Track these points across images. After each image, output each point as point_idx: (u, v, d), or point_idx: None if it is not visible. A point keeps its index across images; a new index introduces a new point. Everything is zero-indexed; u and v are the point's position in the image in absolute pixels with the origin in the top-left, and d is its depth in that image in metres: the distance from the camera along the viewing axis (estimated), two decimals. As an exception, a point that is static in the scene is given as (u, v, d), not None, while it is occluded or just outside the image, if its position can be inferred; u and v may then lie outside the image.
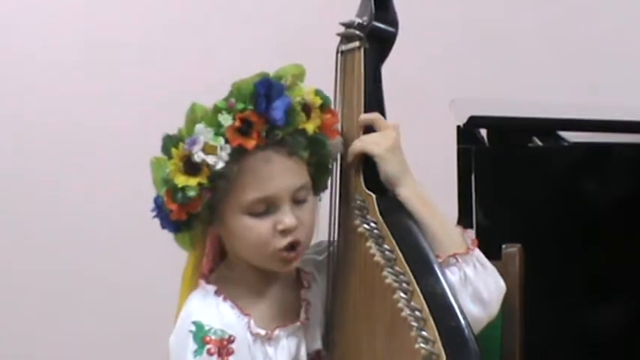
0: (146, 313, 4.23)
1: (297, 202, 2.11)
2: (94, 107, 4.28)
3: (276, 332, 2.12)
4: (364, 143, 2.20)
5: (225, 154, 2.07)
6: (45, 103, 4.36)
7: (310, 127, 2.12)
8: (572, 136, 2.84)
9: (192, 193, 2.07)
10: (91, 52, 4.35)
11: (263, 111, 2.09)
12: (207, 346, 2.08)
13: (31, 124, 4.37)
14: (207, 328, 2.10)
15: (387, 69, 2.36)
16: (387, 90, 2.34)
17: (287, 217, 2.09)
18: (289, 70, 2.15)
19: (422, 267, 2.11)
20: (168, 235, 2.37)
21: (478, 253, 2.15)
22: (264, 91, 2.10)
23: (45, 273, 4.39)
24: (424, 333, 2.02)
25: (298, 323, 2.14)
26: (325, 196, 2.36)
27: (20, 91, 4.37)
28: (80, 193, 4.32)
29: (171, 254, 2.50)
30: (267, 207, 2.10)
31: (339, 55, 2.30)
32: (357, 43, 2.24)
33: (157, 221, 2.32)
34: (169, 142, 2.10)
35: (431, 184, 2.32)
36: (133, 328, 4.41)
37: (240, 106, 2.08)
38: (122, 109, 4.31)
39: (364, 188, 2.19)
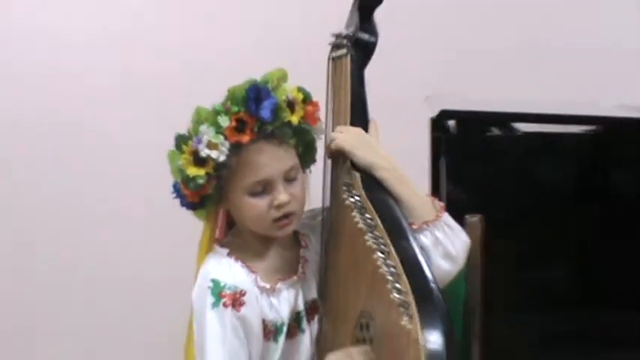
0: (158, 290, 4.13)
1: (288, 180, 2.29)
2: (120, 111, 4.23)
3: (278, 285, 2.29)
4: (336, 142, 2.41)
5: (225, 149, 2.26)
6: (84, 109, 4.26)
7: (295, 119, 2.31)
8: (524, 127, 3.02)
9: (201, 181, 2.27)
10: (117, 63, 4.23)
11: (253, 112, 2.27)
12: (223, 300, 2.26)
13: (69, 127, 4.25)
14: (222, 284, 2.26)
15: (373, 71, 2.53)
16: (372, 88, 2.51)
17: (281, 195, 2.27)
18: (274, 74, 2.32)
19: (396, 232, 2.26)
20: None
21: (446, 217, 2.32)
22: (253, 95, 2.28)
23: (82, 251, 4.28)
24: (398, 285, 2.16)
25: (296, 277, 2.32)
26: (319, 180, 2.51)
27: (60, 99, 4.25)
28: (112, 183, 4.23)
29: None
30: (263, 187, 2.28)
31: (330, 61, 2.47)
32: (344, 51, 2.43)
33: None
34: (181, 140, 2.30)
35: (408, 166, 2.45)
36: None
37: (235, 108, 2.26)
38: (142, 111, 4.26)
39: (351, 169, 2.37)
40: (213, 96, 2.43)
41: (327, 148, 2.42)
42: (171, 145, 2.39)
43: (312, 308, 2.40)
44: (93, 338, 4.25)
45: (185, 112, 2.42)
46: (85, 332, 4.24)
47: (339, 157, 2.39)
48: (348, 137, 2.35)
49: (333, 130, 2.46)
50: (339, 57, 2.44)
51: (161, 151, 2.42)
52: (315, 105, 2.31)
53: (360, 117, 2.48)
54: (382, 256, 2.22)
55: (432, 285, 2.20)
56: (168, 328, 2.79)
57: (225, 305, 2.26)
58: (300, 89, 2.28)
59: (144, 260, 4.02)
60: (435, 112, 3.09)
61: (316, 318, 2.42)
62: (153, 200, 3.10)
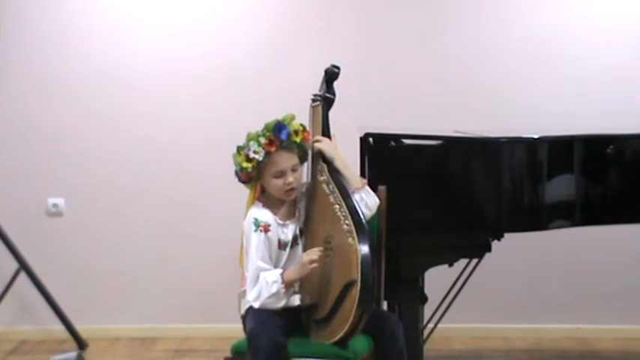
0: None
1: (293, 171, 3.19)
2: (199, 122, 5.02)
3: (287, 222, 3.23)
4: (317, 145, 3.21)
5: (261, 155, 3.16)
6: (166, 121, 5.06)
7: (298, 139, 3.20)
8: (409, 141, 3.74)
9: (249, 170, 3.17)
10: (193, 80, 5.02)
11: (277, 135, 3.17)
12: (259, 227, 3.19)
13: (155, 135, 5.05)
14: (258, 220, 3.20)
15: (332, 112, 3.36)
16: (332, 120, 3.35)
17: (289, 178, 3.18)
18: (288, 116, 3.23)
19: (344, 194, 3.18)
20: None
21: (367, 187, 3.24)
22: (277, 127, 3.19)
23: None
24: (347, 221, 3.07)
25: (294, 218, 3.26)
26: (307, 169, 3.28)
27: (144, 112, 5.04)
28: (197, 173, 5.04)
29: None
30: (280, 174, 3.16)
31: (311, 108, 3.37)
32: (318, 103, 3.34)
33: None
34: (239, 148, 3.21)
35: (350, 161, 3.35)
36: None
37: (268, 133, 3.17)
38: (215, 124, 4.96)
39: (321, 161, 3.24)
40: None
41: (312, 149, 3.27)
42: (234, 149, 3.27)
43: (302, 233, 3.27)
44: (179, 251, 5.04)
45: (244, 128, 3.25)
46: (179, 249, 5.02)
47: (317, 154, 3.28)
48: (322, 143, 3.27)
49: (313, 143, 3.28)
50: (316, 106, 3.36)
51: (231, 151, 3.31)
52: (308, 133, 3.27)
53: (327, 134, 3.34)
54: (337, 206, 3.14)
55: (363, 221, 3.08)
56: (230, 243, 3.55)
57: (260, 230, 3.19)
58: (301, 124, 3.27)
59: (220, 209, 4.71)
60: (361, 134, 3.82)
61: (304, 238, 3.27)
62: (226, 178, 3.47)
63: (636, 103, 4.96)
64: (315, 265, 3.08)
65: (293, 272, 3.14)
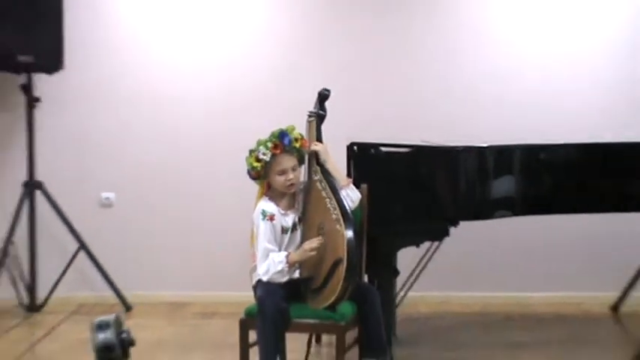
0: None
1: (293, 170, 3.22)
2: (222, 133, 4.95)
3: (288, 212, 3.27)
4: (315, 147, 3.24)
5: (268, 156, 3.21)
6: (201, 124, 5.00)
7: (297, 145, 3.23)
8: (386, 149, 3.74)
9: (258, 169, 3.22)
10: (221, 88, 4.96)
11: (281, 141, 3.21)
12: (266, 217, 3.22)
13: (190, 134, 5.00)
14: (265, 211, 3.24)
15: (324, 126, 3.37)
16: (324, 132, 3.36)
17: (290, 176, 3.21)
18: (290, 127, 3.26)
19: (333, 190, 3.20)
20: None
21: (352, 185, 3.28)
22: (281, 134, 3.23)
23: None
24: (335, 212, 3.12)
25: (294, 209, 3.29)
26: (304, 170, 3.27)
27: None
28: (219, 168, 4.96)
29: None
30: (282, 172, 3.20)
31: (307, 122, 3.40)
32: (313, 118, 3.37)
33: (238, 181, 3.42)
34: (251, 151, 3.25)
35: (339, 165, 3.35)
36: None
37: (273, 139, 3.21)
38: (234, 134, 4.80)
39: (315, 163, 3.27)
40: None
41: (308, 152, 3.29)
42: (246, 151, 3.31)
43: (300, 220, 3.30)
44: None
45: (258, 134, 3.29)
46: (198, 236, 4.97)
47: (312, 156, 3.32)
48: (319, 147, 3.30)
49: (310, 148, 3.30)
50: (311, 120, 3.39)
51: (245, 155, 3.35)
52: (306, 141, 3.33)
53: (320, 141, 3.32)
54: (328, 199, 3.18)
55: (348, 212, 3.15)
56: (244, 229, 3.43)
57: (266, 219, 3.24)
58: (299, 133, 3.31)
59: (236, 202, 4.30)
60: (348, 143, 3.93)
61: (301, 225, 3.30)
62: (239, 175, 3.43)
63: (565, 115, 4.95)
64: (314, 252, 3.12)
65: (296, 255, 3.17)
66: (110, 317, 2.20)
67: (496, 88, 4.97)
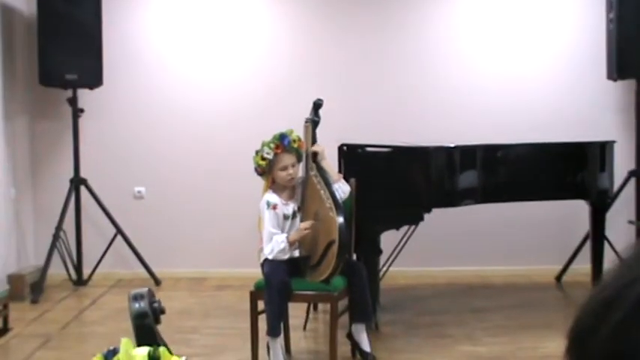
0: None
1: (293, 166, 3.10)
2: (236, 136, 4.80)
3: (288, 202, 3.15)
4: (314, 148, 3.14)
5: (271, 155, 3.09)
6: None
7: (296, 145, 3.11)
8: (372, 149, 3.72)
9: (263, 165, 3.10)
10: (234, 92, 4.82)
11: (282, 142, 3.10)
12: (270, 207, 3.12)
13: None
14: (270, 201, 3.13)
15: (319, 130, 3.24)
16: (318, 134, 3.25)
17: (290, 171, 3.10)
18: (290, 130, 3.13)
19: (327, 184, 3.11)
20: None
21: (342, 179, 3.19)
22: (282, 136, 3.12)
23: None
24: (329, 201, 3.04)
25: (294, 199, 3.18)
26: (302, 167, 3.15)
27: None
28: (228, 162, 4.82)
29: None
30: (284, 168, 3.09)
31: (304, 127, 3.24)
32: (309, 124, 3.23)
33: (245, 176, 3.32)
34: (257, 151, 3.13)
35: (332, 163, 3.33)
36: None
37: (276, 141, 3.10)
38: (246, 136, 4.22)
39: (312, 161, 3.16)
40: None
41: (307, 152, 3.16)
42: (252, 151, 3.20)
43: (299, 209, 3.19)
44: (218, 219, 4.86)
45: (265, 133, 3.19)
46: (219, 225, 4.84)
47: (309, 155, 3.19)
48: (318, 148, 3.20)
49: (307, 151, 3.16)
50: (307, 125, 3.24)
51: (252, 153, 3.23)
52: (303, 142, 3.20)
53: (314, 143, 3.17)
54: (323, 191, 3.10)
55: (339, 201, 3.08)
56: (253, 215, 3.38)
57: (270, 208, 3.14)
58: (297, 135, 3.19)
59: (246, 193, 4.19)
60: (339, 144, 3.88)
61: (300, 212, 3.20)
62: (248, 172, 3.34)
63: (518, 120, 4.84)
64: (308, 231, 3.04)
65: (294, 235, 3.09)
66: (144, 290, 2.15)
67: (462, 98, 4.90)
